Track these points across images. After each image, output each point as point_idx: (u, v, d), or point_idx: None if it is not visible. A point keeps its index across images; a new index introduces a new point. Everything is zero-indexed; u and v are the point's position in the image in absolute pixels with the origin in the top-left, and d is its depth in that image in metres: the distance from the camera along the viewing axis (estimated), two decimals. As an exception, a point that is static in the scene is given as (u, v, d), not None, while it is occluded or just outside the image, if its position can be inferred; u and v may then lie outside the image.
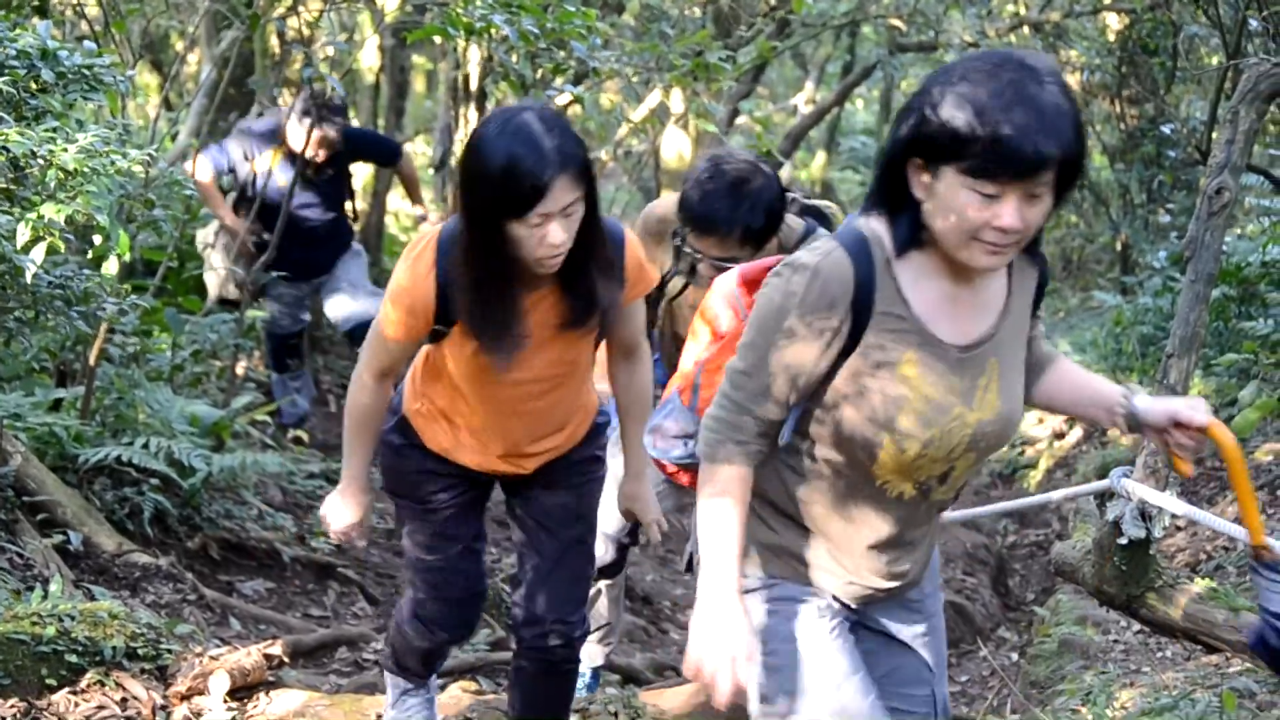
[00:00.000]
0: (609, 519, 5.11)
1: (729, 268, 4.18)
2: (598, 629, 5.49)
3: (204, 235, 8.92)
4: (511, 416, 4.12)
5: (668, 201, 5.03)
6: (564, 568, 4.30)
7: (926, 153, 2.86)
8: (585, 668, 5.43)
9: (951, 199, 2.84)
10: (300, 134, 8.34)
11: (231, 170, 8.72)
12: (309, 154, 8.41)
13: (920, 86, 2.92)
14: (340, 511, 4.27)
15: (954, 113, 2.80)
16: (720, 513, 3.04)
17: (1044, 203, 2.86)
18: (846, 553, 3.19)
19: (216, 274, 8.80)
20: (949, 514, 7.49)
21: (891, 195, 2.97)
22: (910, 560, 3.25)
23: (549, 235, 3.63)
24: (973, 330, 3.05)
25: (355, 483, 4.24)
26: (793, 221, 4.78)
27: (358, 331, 8.76)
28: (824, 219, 4.97)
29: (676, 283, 5.03)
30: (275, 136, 8.59)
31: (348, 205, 9.16)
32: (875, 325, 2.97)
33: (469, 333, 3.89)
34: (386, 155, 9.54)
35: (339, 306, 8.96)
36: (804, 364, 2.98)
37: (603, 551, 5.23)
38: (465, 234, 3.75)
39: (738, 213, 4.58)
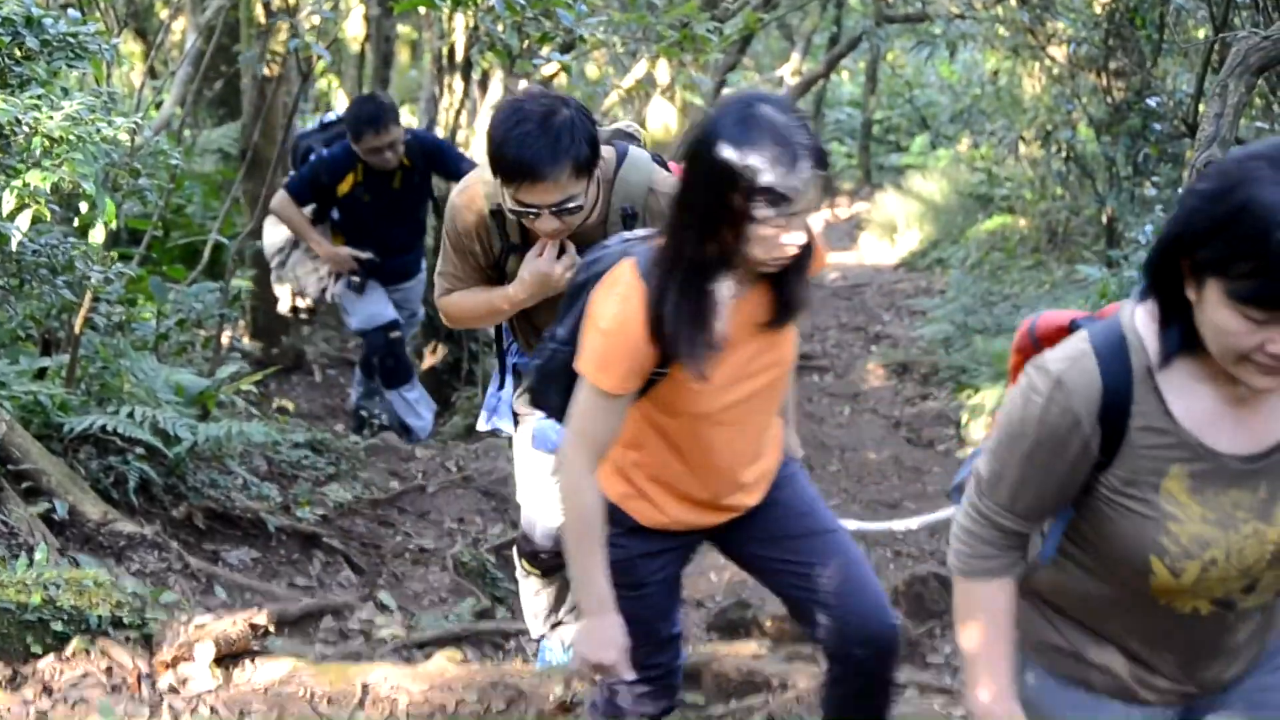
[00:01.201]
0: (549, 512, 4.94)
1: (573, 210, 4.21)
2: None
3: (273, 242, 8.86)
4: (726, 448, 3.78)
5: (470, 190, 4.54)
6: (842, 554, 3.94)
7: (1191, 255, 2.50)
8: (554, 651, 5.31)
9: (1216, 317, 2.49)
10: (365, 149, 8.36)
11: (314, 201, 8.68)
12: (382, 165, 8.43)
13: (1217, 171, 2.51)
14: (603, 643, 3.57)
15: (1232, 217, 2.41)
16: (982, 633, 2.84)
17: None
18: (1152, 668, 2.90)
19: (290, 284, 8.85)
20: (911, 522, 7.58)
21: (1162, 292, 2.58)
22: (1233, 665, 2.92)
23: (790, 234, 3.36)
24: (1262, 437, 2.68)
25: (605, 604, 3.58)
26: (605, 152, 4.41)
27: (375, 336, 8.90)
28: (633, 139, 4.67)
29: (514, 263, 4.58)
30: (352, 156, 8.50)
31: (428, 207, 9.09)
32: (1132, 440, 2.66)
33: (674, 352, 3.50)
34: (455, 168, 8.76)
35: (378, 309, 8.96)
36: (1048, 480, 2.73)
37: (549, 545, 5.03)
38: (683, 244, 3.44)
39: (560, 147, 4.12)
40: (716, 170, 3.30)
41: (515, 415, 4.92)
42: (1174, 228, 2.51)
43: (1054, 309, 3.26)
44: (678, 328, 3.45)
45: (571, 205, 4.19)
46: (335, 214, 8.65)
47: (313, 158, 8.60)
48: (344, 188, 8.54)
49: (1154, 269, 2.58)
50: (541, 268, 4.41)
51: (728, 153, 3.28)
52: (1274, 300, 2.41)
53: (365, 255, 8.65)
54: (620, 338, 3.49)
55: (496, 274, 4.59)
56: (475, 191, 4.49)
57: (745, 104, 3.34)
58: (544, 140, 4.09)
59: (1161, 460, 2.65)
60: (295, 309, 9.05)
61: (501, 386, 4.97)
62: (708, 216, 3.37)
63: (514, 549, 5.27)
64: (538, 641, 5.39)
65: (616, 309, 3.50)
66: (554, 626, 5.25)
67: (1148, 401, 2.63)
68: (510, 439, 5.15)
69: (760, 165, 3.25)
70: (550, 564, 5.02)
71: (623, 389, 3.54)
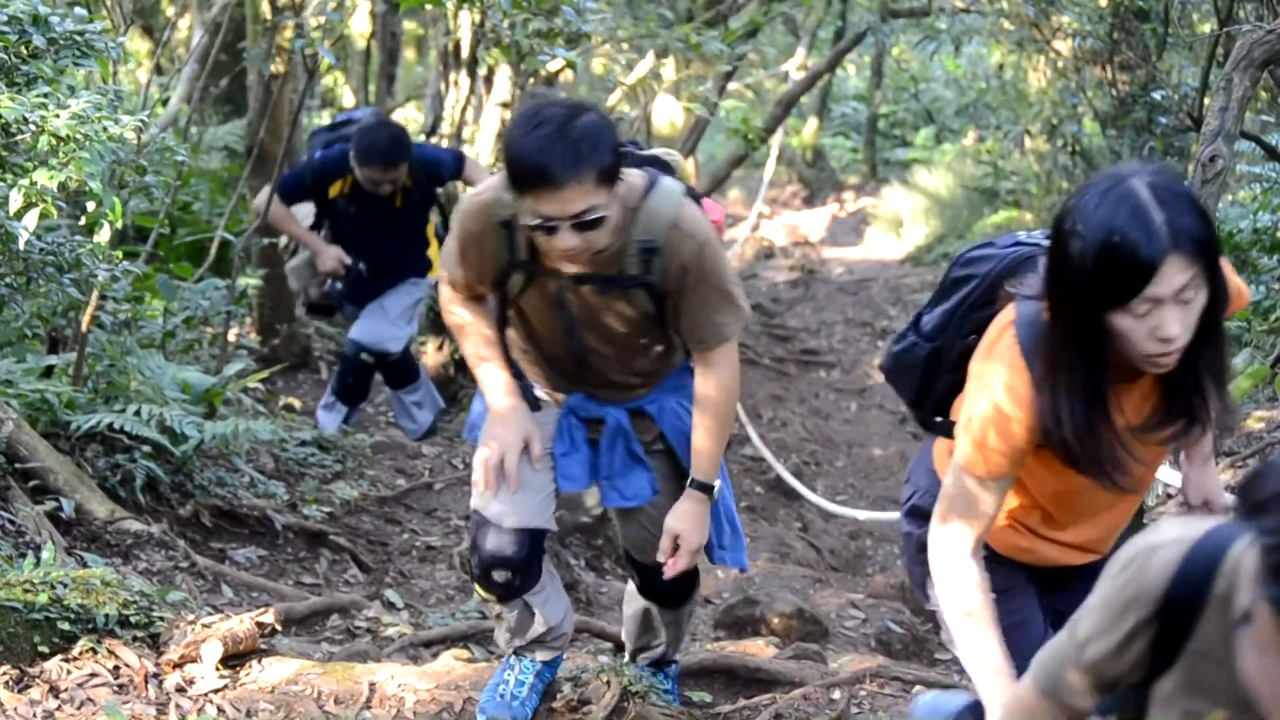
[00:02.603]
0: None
1: (594, 225, 3.96)
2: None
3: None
4: (1096, 514, 3.53)
5: (485, 196, 4.26)
6: None
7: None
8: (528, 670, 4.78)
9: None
10: (363, 176, 8.22)
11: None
12: (374, 192, 8.29)
13: None
14: None
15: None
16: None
17: None
18: None
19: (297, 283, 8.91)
20: (861, 514, 7.50)
21: None
22: None
23: (1162, 328, 2.97)
24: None
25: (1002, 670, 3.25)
26: (632, 176, 4.17)
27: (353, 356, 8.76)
28: (665, 167, 4.43)
29: (517, 280, 4.31)
30: (343, 165, 8.34)
31: (431, 225, 8.82)
32: (1187, 660, 2.45)
33: (1059, 448, 3.19)
34: (452, 171, 8.73)
35: (365, 328, 8.76)
36: (1100, 655, 2.53)
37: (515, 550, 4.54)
38: (1055, 325, 3.11)
39: (582, 152, 3.86)
40: (1064, 248, 3.03)
41: None
42: None
43: None
44: (1067, 436, 3.14)
45: (592, 218, 3.94)
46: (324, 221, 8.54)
47: (305, 156, 8.53)
48: (333, 192, 8.41)
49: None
50: (493, 430, 4.38)
51: (1077, 229, 3.00)
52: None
53: (349, 261, 8.49)
54: (1000, 431, 3.21)
55: (496, 287, 4.37)
56: (490, 198, 4.22)
57: (1113, 182, 3.02)
58: (564, 144, 3.85)
59: (1209, 699, 2.44)
60: (312, 307, 8.96)
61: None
62: (1078, 302, 3.04)
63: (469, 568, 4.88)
64: (504, 656, 4.83)
65: (999, 398, 3.20)
66: (518, 651, 4.73)
67: (1212, 629, 2.39)
68: None
69: (1106, 241, 2.94)
70: (506, 588, 4.57)
71: (998, 475, 3.26)
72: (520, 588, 4.58)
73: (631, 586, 4.94)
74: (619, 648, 5.68)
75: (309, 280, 8.73)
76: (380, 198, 8.30)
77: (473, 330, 4.45)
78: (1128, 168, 3.05)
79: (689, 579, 4.71)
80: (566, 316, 4.33)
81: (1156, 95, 11.31)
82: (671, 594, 4.81)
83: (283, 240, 8.91)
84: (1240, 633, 2.22)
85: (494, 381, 4.43)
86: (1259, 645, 2.16)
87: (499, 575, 4.53)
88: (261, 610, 5.52)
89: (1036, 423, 3.15)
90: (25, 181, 4.63)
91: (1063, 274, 3.04)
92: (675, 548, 4.39)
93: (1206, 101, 6.71)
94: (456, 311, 4.45)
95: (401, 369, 8.98)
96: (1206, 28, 10.55)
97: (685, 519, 4.39)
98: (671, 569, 4.41)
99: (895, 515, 7.27)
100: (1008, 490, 3.32)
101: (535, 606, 4.65)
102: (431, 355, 10.12)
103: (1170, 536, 2.46)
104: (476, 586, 4.68)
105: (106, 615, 4.93)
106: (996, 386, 3.19)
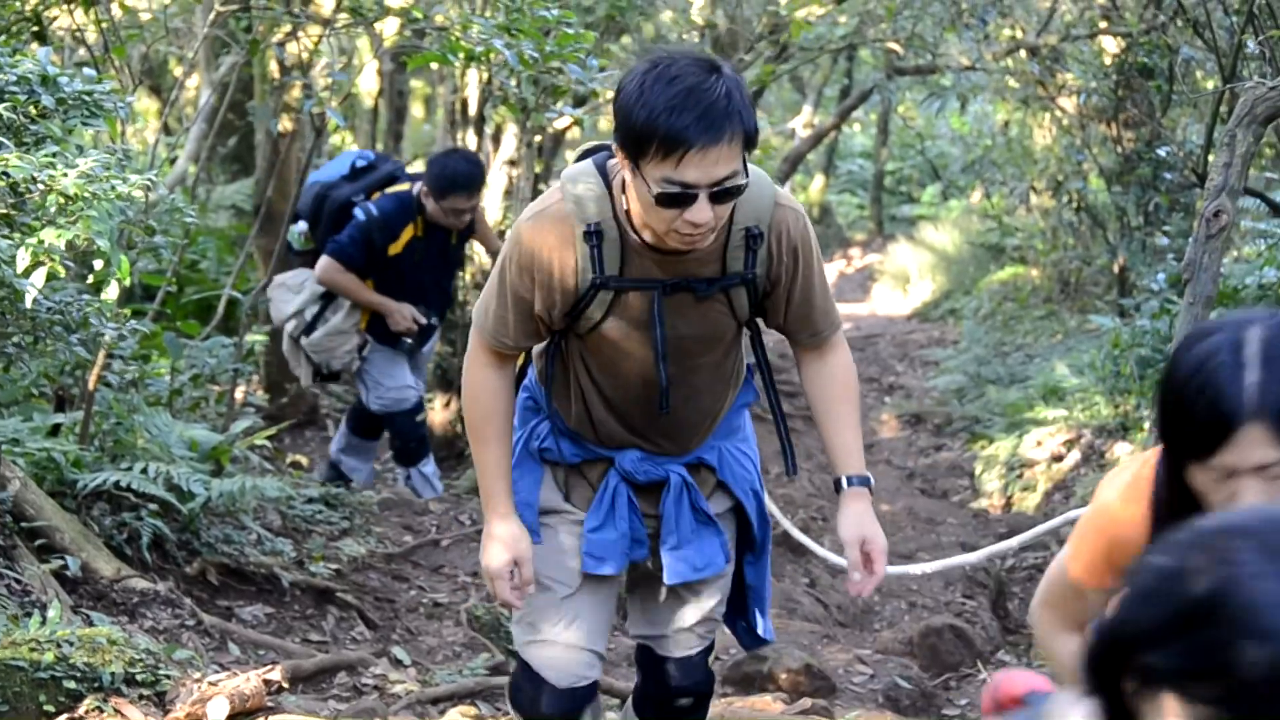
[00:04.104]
0: None
1: (735, 192, 3.44)
2: None
3: (285, 311, 8.40)
4: None
5: (552, 210, 3.68)
6: None
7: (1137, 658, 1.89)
8: None
9: None
10: (446, 208, 8.03)
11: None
12: (453, 226, 8.15)
13: (1183, 543, 1.65)
14: None
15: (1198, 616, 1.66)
16: None
17: None
18: None
19: (316, 355, 8.41)
20: (929, 565, 7.40)
21: (1108, 699, 1.72)
22: None
23: (1238, 500, 2.50)
24: None
25: None
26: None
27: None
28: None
29: (597, 307, 3.71)
30: (411, 208, 8.13)
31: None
32: None
33: None
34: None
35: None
36: None
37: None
38: (1163, 465, 2.73)
39: (732, 106, 3.36)
40: (1164, 385, 2.59)
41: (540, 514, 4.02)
42: (1118, 618, 1.69)
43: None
44: None
45: (734, 185, 3.41)
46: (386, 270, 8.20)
47: (357, 213, 8.10)
48: (396, 248, 8.12)
49: (1095, 667, 1.73)
50: (483, 552, 3.86)
51: (1172, 367, 2.57)
52: None
53: (424, 320, 8.25)
54: (1104, 533, 2.86)
55: (569, 321, 3.73)
56: (560, 210, 3.65)
57: (1234, 328, 2.53)
58: (711, 99, 3.32)
59: None
60: (319, 376, 8.64)
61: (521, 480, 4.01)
62: (1163, 440, 2.66)
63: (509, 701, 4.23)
64: None
65: (1119, 501, 2.84)
66: None
67: None
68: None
69: (1188, 389, 2.50)
70: None
71: (1089, 584, 2.91)
72: None
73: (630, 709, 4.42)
74: (624, 701, 5.65)
75: (338, 352, 8.37)
76: (439, 237, 8.15)
77: (497, 405, 3.85)
78: (1256, 313, 2.57)
79: (710, 683, 4.26)
80: (659, 338, 3.71)
81: (1161, 152, 11.35)
82: (694, 700, 4.24)
83: (286, 317, 8.47)
84: None
85: (497, 485, 3.86)
86: None
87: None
88: (268, 668, 5.51)
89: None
90: (33, 240, 4.64)
91: (1161, 411, 2.61)
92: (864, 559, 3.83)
93: (1211, 158, 6.74)
94: (484, 375, 3.85)
95: (422, 446, 8.87)
96: (1210, 84, 10.59)
97: (860, 522, 3.84)
98: (870, 584, 3.84)
99: (903, 569, 7.28)
100: (1099, 603, 2.86)
101: None
102: (439, 412, 10.13)
103: None
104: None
105: (113, 674, 4.92)
106: (1117, 503, 2.84)
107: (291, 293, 8.36)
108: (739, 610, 4.18)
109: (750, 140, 3.41)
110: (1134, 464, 2.86)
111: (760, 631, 4.19)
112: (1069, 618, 2.97)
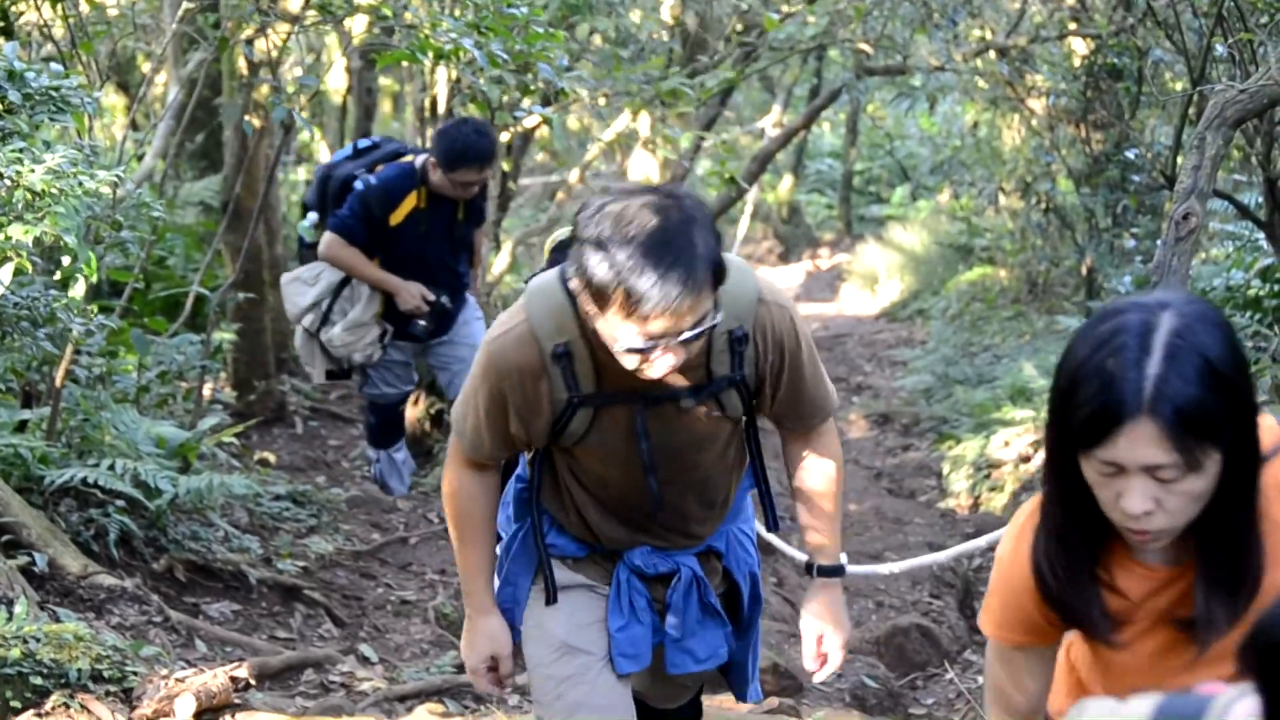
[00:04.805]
0: None
1: (703, 334, 3.25)
2: None
3: (302, 303, 7.91)
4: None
5: (517, 331, 3.47)
6: None
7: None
8: None
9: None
10: (454, 180, 7.56)
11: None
12: (460, 196, 7.69)
13: None
14: None
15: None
16: None
17: None
18: None
19: (335, 350, 7.94)
20: (896, 565, 7.37)
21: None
22: None
23: (1124, 499, 2.38)
24: None
25: None
26: None
27: None
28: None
29: (581, 420, 3.55)
30: (412, 177, 7.69)
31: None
32: None
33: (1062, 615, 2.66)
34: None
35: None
36: None
37: None
38: (1046, 482, 2.57)
39: (699, 255, 3.15)
40: (1056, 374, 2.44)
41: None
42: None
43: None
44: (1054, 585, 2.60)
45: (703, 327, 3.22)
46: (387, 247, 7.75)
47: (357, 184, 7.71)
48: (397, 218, 7.68)
49: (1257, 661, 1.59)
50: (471, 662, 3.82)
51: (1065, 356, 2.42)
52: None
53: (433, 297, 7.80)
54: (1004, 583, 2.74)
55: (550, 437, 3.57)
56: (529, 328, 3.44)
57: (1111, 314, 2.40)
58: (675, 251, 3.11)
59: None
60: (336, 373, 8.19)
61: (512, 584, 3.90)
62: (1050, 452, 2.51)
63: None
64: None
65: (1007, 548, 2.73)
66: None
67: None
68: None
69: (1076, 381, 2.37)
70: None
71: (1007, 641, 2.80)
72: None
73: None
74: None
75: (359, 345, 7.90)
76: (445, 210, 7.72)
77: (476, 509, 3.74)
78: (1172, 296, 2.40)
79: (698, 711, 4.32)
80: (644, 449, 3.55)
81: (1130, 154, 11.39)
82: None
83: (302, 310, 7.95)
84: None
85: (477, 584, 3.78)
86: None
87: None
88: (235, 665, 5.50)
89: (1035, 584, 2.63)
90: (0, 236, 4.63)
91: (1050, 405, 2.47)
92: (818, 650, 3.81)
93: (1180, 160, 6.77)
94: (464, 480, 3.71)
95: (395, 429, 8.56)
96: (1179, 87, 10.64)
97: (823, 614, 3.80)
98: (821, 675, 3.84)
99: (871, 569, 7.29)
100: (1040, 664, 2.83)
101: None
102: (409, 409, 10.09)
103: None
104: None
105: (79, 670, 4.91)
106: (1007, 540, 2.75)
107: (306, 285, 7.93)
108: (724, 672, 4.12)
109: (718, 275, 3.20)
110: (1026, 508, 2.71)
111: (747, 698, 4.16)
112: (1011, 693, 2.84)
